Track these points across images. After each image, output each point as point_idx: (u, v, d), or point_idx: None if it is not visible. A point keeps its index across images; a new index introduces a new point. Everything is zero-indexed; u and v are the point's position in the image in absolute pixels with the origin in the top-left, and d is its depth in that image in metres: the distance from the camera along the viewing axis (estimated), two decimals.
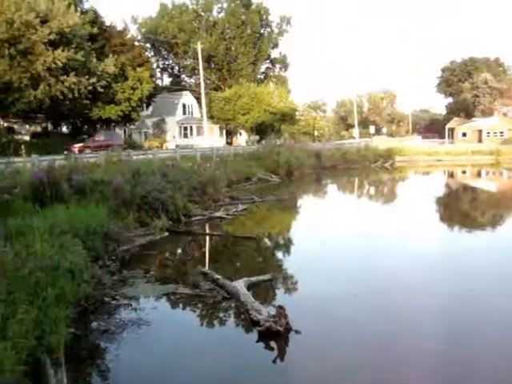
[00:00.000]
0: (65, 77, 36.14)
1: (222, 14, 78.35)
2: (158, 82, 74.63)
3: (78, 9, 42.01)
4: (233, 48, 75.21)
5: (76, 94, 37.06)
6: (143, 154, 29.05)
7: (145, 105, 54.67)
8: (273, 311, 8.30)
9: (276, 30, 79.15)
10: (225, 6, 77.96)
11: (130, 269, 12.01)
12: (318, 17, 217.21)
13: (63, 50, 35.27)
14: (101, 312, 9.10)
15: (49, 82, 35.77)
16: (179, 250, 15.93)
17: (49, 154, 23.43)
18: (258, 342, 7.74)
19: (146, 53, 68.73)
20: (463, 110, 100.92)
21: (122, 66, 44.75)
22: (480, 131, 78.18)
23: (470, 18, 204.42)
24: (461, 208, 25.81)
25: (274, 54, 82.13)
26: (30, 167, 18.73)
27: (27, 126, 56.51)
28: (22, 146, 22.91)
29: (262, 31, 77.88)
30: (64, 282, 8.25)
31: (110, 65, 41.04)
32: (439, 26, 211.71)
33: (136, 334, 8.13)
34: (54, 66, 34.85)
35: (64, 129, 55.78)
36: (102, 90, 40.12)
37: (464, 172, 50.65)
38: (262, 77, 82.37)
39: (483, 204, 27.48)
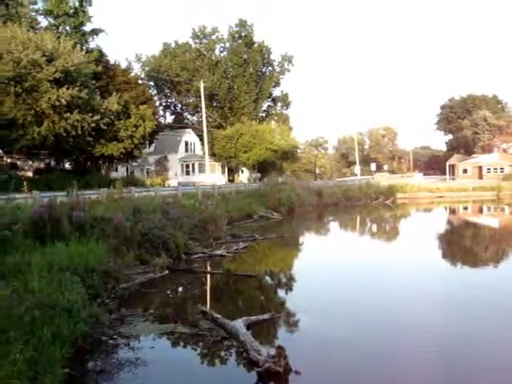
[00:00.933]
0: (68, 114, 36.47)
1: (224, 53, 79.54)
2: (161, 119, 75.32)
3: (84, 48, 42.77)
4: (235, 86, 76.05)
5: (79, 131, 37.34)
6: (145, 191, 29.07)
7: (147, 142, 54.97)
8: (272, 351, 8.15)
9: (278, 69, 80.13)
10: (227, 45, 79.19)
11: (129, 307, 11.88)
12: (320, 55, 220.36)
13: (68, 88, 35.70)
14: (98, 351, 8.96)
15: (53, 119, 36.10)
16: (179, 289, 15.78)
17: (51, 191, 23.45)
18: (257, 383, 7.58)
19: (149, 91, 69.48)
20: (463, 146, 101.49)
21: (125, 104, 45.18)
22: (480, 167, 78.42)
23: (468, 55, 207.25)
24: (463, 244, 25.67)
25: (276, 92, 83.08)
26: (31, 203, 18.73)
27: (30, 162, 56.77)
28: (24, 183, 23.00)
29: (263, 70, 78.85)
30: (61, 321, 8.15)
31: (113, 103, 41.46)
32: (438, 64, 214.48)
33: (133, 374, 7.99)
34: (58, 103, 35.22)
35: (67, 165, 56.00)
36: (105, 128, 40.41)
37: (466, 208, 50.58)
38: (263, 115, 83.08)
39: (485, 240, 27.34)
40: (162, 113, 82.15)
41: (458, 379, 7.74)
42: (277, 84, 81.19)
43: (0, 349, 6.43)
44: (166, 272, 16.00)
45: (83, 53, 39.49)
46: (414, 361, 8.60)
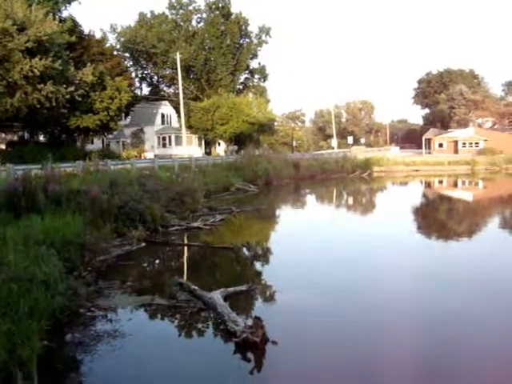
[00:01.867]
0: (42, 85, 35.74)
1: (201, 24, 78.46)
2: (137, 91, 74.30)
3: (56, 17, 41.72)
4: (212, 58, 75.26)
5: (53, 103, 36.67)
6: (121, 164, 28.84)
7: (123, 114, 54.30)
8: (250, 322, 8.25)
9: (255, 41, 79.41)
10: (204, 16, 78.12)
11: (107, 280, 11.89)
12: (297, 28, 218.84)
13: (41, 59, 34.91)
14: (76, 324, 8.99)
15: (26, 90, 35.37)
16: (156, 261, 15.82)
17: (25, 164, 23.14)
18: (234, 353, 7.69)
19: (125, 62, 68.44)
20: (439, 120, 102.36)
21: (100, 75, 44.41)
22: (456, 142, 79.18)
23: (445, 29, 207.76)
24: (437, 218, 26.11)
25: (253, 64, 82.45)
26: (5, 177, 18.49)
27: (3, 135, 55.85)
28: None
29: (241, 42, 78.08)
30: (38, 294, 8.13)
31: (88, 74, 40.71)
32: (416, 37, 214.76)
33: (111, 345, 8.04)
34: (31, 74, 34.46)
35: (41, 138, 55.18)
36: (79, 99, 39.74)
37: (441, 182, 51.23)
38: (240, 87, 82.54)
39: (459, 213, 27.82)
40: (138, 84, 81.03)
41: (434, 351, 7.91)
42: (254, 56, 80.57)
43: None
44: (143, 244, 16.00)
45: (56, 22, 38.48)
46: (390, 332, 8.77)
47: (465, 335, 8.60)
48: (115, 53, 58.78)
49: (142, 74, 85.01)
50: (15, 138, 54.66)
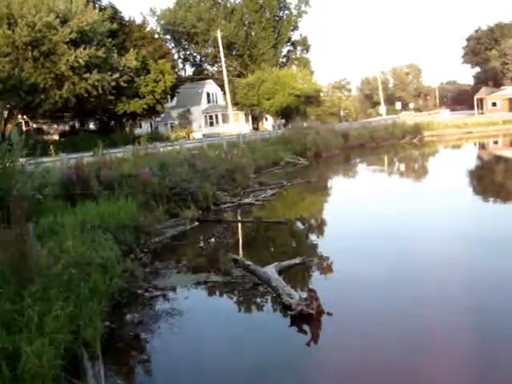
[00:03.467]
0: (88, 74, 36.48)
1: (239, 0, 77.93)
2: (181, 72, 74.89)
3: (96, 6, 42.29)
4: (253, 33, 74.83)
5: (100, 91, 37.40)
6: (170, 146, 29.15)
7: (169, 96, 54.83)
8: (304, 295, 8.27)
9: (295, 12, 78.37)
10: None
11: (162, 260, 12.12)
12: None
13: (85, 48, 35.57)
14: (134, 304, 9.21)
15: (73, 80, 36.17)
16: (210, 239, 16.00)
17: (77, 152, 23.70)
18: (290, 326, 7.74)
19: (167, 44, 68.80)
20: (492, 79, 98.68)
21: (143, 60, 44.95)
22: (510, 100, 76.32)
23: None
24: (493, 179, 25.36)
25: (295, 36, 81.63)
26: (59, 166, 18.99)
27: (55, 126, 57.36)
28: (51, 146, 23.25)
29: (280, 14, 77.28)
30: (97, 277, 8.36)
31: (131, 59, 41.25)
32: None
33: (170, 324, 8.22)
34: (76, 64, 35.19)
35: (91, 126, 56.42)
36: (125, 85, 40.36)
37: (496, 142, 49.63)
38: (283, 60, 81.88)
39: None
40: (181, 66, 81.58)
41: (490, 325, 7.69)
42: (295, 28, 79.64)
43: (42, 306, 6.65)
44: (196, 223, 16.19)
45: (96, 11, 39.04)
46: (448, 303, 8.54)
47: None
48: (156, 36, 59.05)
49: (185, 54, 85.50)
50: (66, 127, 56.08)
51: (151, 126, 64.60)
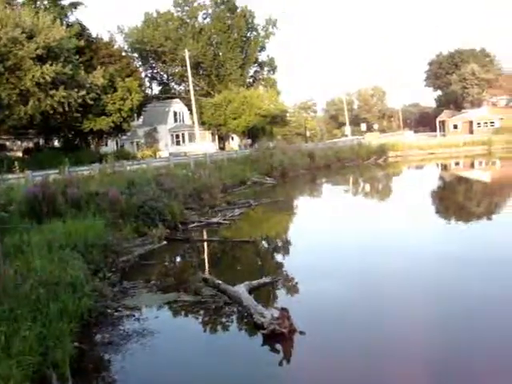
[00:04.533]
0: (54, 91, 35.99)
1: (207, 20, 78.33)
2: (148, 91, 74.51)
3: (64, 22, 41.94)
4: (220, 53, 75.21)
5: (66, 108, 36.92)
6: (137, 164, 29.00)
7: (136, 115, 54.44)
8: (276, 313, 8.29)
9: (262, 33, 79.11)
10: (210, 11, 77.94)
11: (131, 279, 11.99)
12: (305, 17, 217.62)
13: (51, 65, 35.14)
14: (104, 324, 9.09)
15: (38, 97, 35.65)
16: (178, 258, 15.92)
17: (42, 169, 23.37)
18: (263, 345, 7.74)
19: (134, 63, 68.51)
20: (453, 102, 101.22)
21: (110, 78, 44.60)
22: (471, 122, 78.32)
23: (453, 9, 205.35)
24: (455, 200, 25.92)
25: (262, 57, 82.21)
26: (24, 183, 18.69)
27: (19, 143, 56.35)
28: (16, 163, 22.87)
29: (248, 35, 77.87)
30: (66, 297, 8.24)
31: (98, 77, 40.90)
32: (424, 19, 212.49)
33: (140, 344, 8.12)
34: (42, 80, 34.71)
35: (56, 143, 55.60)
36: (91, 103, 39.92)
37: (457, 164, 50.78)
38: (250, 80, 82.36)
39: (477, 194, 27.60)
40: (148, 84, 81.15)
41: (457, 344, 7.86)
42: (262, 48, 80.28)
43: (9, 327, 6.52)
44: (164, 242, 16.07)
45: (64, 27, 38.68)
46: (415, 318, 8.73)
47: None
48: (124, 54, 58.78)
49: (152, 73, 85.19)
50: (31, 144, 55.10)
51: (117, 145, 64.02)
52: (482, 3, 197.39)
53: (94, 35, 49.61)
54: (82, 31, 44.52)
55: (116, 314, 9.56)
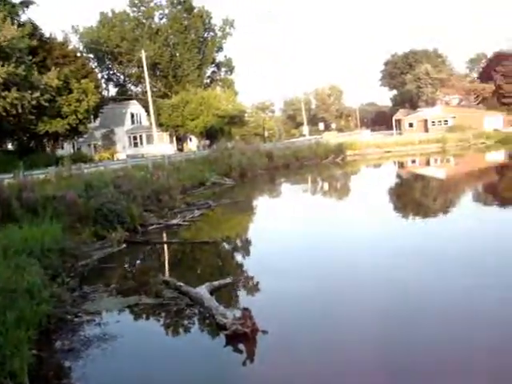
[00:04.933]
0: (6, 92, 35.19)
1: (164, 21, 77.80)
2: (104, 92, 73.46)
3: (15, 21, 40.96)
4: (177, 54, 74.79)
5: (20, 110, 36.14)
6: (94, 167, 28.59)
7: (92, 117, 53.66)
8: (238, 313, 8.30)
9: (219, 34, 79.09)
10: (166, 11, 77.40)
11: (91, 284, 11.81)
12: (262, 17, 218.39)
13: (2, 65, 34.35)
14: (64, 330, 8.92)
15: None
16: (139, 261, 15.76)
17: None
18: (226, 346, 7.74)
19: (90, 63, 67.51)
20: (408, 101, 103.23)
21: (65, 79, 43.80)
22: (425, 121, 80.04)
23: (408, 9, 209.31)
24: (412, 197, 26.44)
25: (219, 57, 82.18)
26: None
27: None
28: None
29: (205, 35, 77.71)
30: (23, 303, 8.06)
31: (52, 78, 40.12)
32: (380, 19, 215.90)
33: (101, 349, 8.00)
34: None
35: (10, 146, 54.30)
36: (46, 104, 39.16)
37: (414, 161, 51.75)
38: (208, 81, 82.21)
39: (433, 191, 28.23)
40: (104, 85, 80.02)
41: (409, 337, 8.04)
42: (220, 49, 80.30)
43: None
44: (124, 245, 15.89)
45: (15, 27, 37.79)
46: (373, 313, 8.87)
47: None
48: (79, 54, 57.82)
49: (108, 74, 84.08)
50: None
51: (74, 147, 62.97)
52: (434, 5, 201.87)
53: (47, 35, 48.60)
54: (34, 31, 43.52)
55: (76, 319, 9.40)
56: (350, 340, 7.86)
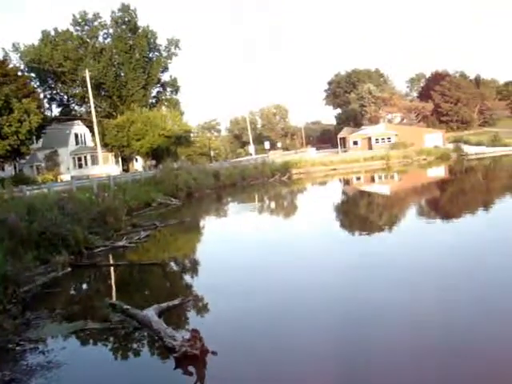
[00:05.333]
0: None
1: (108, 40, 76.99)
2: (47, 112, 72.06)
3: None
4: (122, 74, 74.11)
5: None
6: (37, 189, 27.86)
7: (34, 137, 52.52)
8: (187, 335, 8.22)
9: (165, 54, 78.87)
10: (111, 31, 76.70)
11: (34, 310, 11.46)
12: (207, 38, 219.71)
13: None
14: (5, 360, 8.60)
15: None
16: (84, 284, 15.43)
17: None
18: (175, 368, 7.64)
19: (32, 83, 66.17)
20: (352, 119, 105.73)
21: (5, 98, 42.81)
22: (369, 139, 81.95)
23: (349, 29, 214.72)
24: (357, 213, 27.00)
25: (165, 77, 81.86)
26: None
27: None
28: None
29: (150, 55, 77.36)
30: None
31: None
32: (323, 39, 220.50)
33: (46, 378, 7.73)
34: None
35: None
36: None
37: (359, 178, 52.85)
38: (153, 101, 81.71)
39: (378, 207, 28.86)
40: (47, 105, 78.44)
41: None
42: (165, 69, 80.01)
43: None
44: (69, 269, 15.50)
45: None
46: (322, 328, 8.98)
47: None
48: (20, 73, 56.62)
49: (51, 94, 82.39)
50: None
51: (15, 169, 61.33)
52: (375, 25, 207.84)
53: None
54: None
55: (18, 348, 9.08)
56: (301, 357, 7.90)
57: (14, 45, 77.17)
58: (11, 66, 53.86)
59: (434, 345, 7.83)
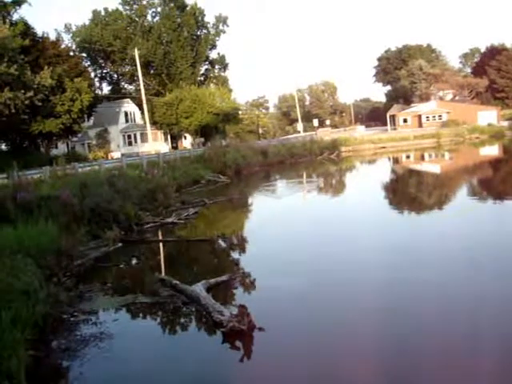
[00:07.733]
0: None
1: (156, 19, 77.46)
2: (98, 91, 73.22)
3: (7, 21, 40.76)
4: (171, 52, 74.48)
5: (13, 110, 35.99)
6: (89, 166, 28.50)
7: (86, 116, 53.50)
8: (235, 311, 8.30)
9: (213, 31, 78.80)
10: (159, 9, 77.08)
11: (87, 283, 11.79)
12: (256, 14, 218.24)
13: None
14: (60, 330, 8.91)
15: None
16: (134, 260, 15.73)
17: None
18: (223, 343, 7.74)
19: (83, 62, 67.22)
20: (402, 96, 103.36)
21: (58, 78, 43.62)
22: (420, 116, 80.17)
23: (401, 5, 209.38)
24: (407, 192, 26.51)
25: (213, 54, 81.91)
26: None
27: None
28: None
29: (198, 33, 77.44)
30: (19, 304, 8.03)
31: (46, 77, 39.94)
32: (373, 15, 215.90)
33: (98, 348, 7.99)
34: None
35: (3, 146, 54.11)
36: (40, 104, 39.02)
37: (408, 157, 51.86)
38: (202, 79, 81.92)
39: (429, 186, 28.29)
40: (98, 84, 79.74)
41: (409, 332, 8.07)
42: (213, 46, 79.98)
43: None
44: (120, 244, 15.86)
45: (7, 26, 37.59)
46: (370, 309, 8.90)
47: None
48: (72, 53, 57.55)
49: (102, 73, 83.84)
50: None
51: (68, 147, 62.86)
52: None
53: (39, 34, 48.39)
54: (26, 30, 43.29)
55: (72, 319, 9.39)
56: (347, 335, 7.90)
57: (65, 26, 78.70)
58: (63, 46, 54.73)
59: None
